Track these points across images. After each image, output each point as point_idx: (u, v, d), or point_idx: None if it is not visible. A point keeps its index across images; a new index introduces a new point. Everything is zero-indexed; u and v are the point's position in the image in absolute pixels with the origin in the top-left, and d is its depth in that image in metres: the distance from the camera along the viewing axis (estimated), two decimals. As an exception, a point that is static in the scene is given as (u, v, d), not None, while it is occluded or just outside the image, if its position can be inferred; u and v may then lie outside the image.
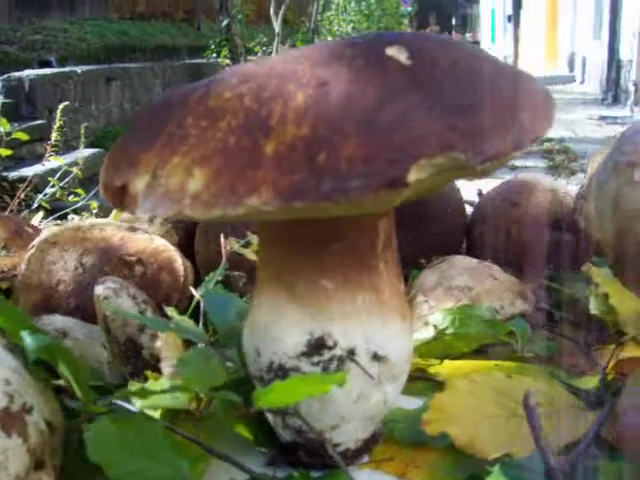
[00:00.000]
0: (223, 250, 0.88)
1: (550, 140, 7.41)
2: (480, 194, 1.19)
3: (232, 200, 0.44)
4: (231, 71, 0.53)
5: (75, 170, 3.13)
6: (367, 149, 0.43)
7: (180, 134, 0.49)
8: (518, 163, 6.21)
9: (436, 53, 0.49)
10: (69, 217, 2.74)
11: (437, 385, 0.72)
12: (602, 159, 0.84)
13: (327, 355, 0.57)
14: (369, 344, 0.58)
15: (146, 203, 0.48)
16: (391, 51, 0.49)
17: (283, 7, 9.39)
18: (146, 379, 0.69)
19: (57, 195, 2.98)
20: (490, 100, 0.46)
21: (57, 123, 3.01)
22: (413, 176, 0.42)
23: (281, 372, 0.58)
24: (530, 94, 0.49)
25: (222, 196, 0.44)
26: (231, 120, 0.47)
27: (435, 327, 0.79)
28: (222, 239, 0.90)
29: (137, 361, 0.71)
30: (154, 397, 0.59)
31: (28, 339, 0.53)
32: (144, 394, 0.57)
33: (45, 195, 3.02)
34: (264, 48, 10.17)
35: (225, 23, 9.97)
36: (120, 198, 0.51)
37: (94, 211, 2.81)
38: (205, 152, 0.46)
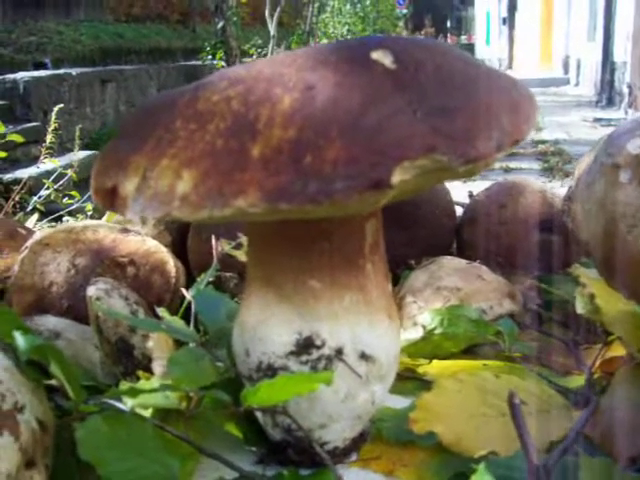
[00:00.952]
0: (214, 251, 0.89)
1: (545, 142, 7.44)
2: (471, 196, 1.20)
3: (219, 202, 0.45)
4: (219, 74, 0.54)
5: (70, 172, 3.13)
6: (351, 151, 0.44)
7: (169, 137, 0.50)
8: (513, 165, 6.23)
9: (421, 57, 0.50)
10: (64, 219, 2.75)
11: (425, 385, 0.72)
12: (589, 161, 0.85)
13: (315, 354, 0.58)
14: (356, 343, 0.59)
15: (136, 205, 0.48)
16: (376, 55, 0.50)
17: (278, 9, 9.39)
18: (138, 379, 0.70)
19: (52, 197, 2.98)
20: (473, 103, 0.47)
21: (52, 125, 3.01)
22: (397, 178, 0.43)
23: (270, 371, 0.58)
24: (512, 97, 0.50)
25: (210, 198, 0.45)
26: (219, 123, 0.48)
27: (424, 327, 0.80)
28: (213, 240, 0.91)
29: (129, 361, 0.72)
30: (144, 396, 0.59)
31: (20, 339, 0.54)
32: (134, 393, 0.57)
33: (40, 197, 3.03)
34: (259, 50, 10.18)
35: (220, 25, 9.98)
36: (110, 200, 0.52)
37: (89, 213, 2.82)
38: (193, 154, 0.47)
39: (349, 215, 0.56)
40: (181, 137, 0.49)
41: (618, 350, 0.76)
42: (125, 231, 0.93)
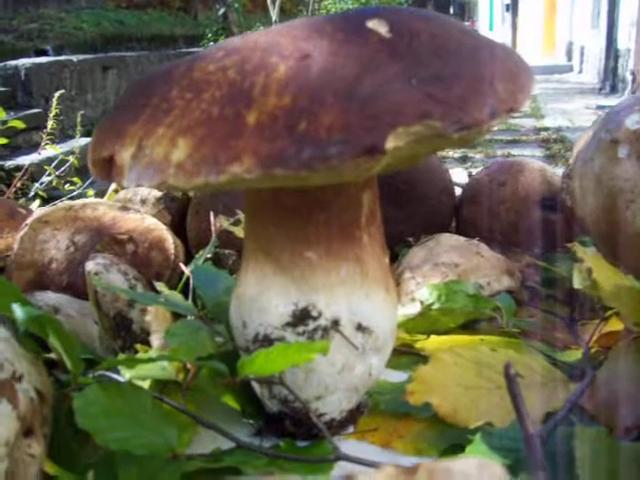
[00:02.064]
0: (213, 228, 0.89)
1: (547, 129, 7.42)
2: (470, 176, 1.20)
3: (214, 169, 0.45)
4: (216, 46, 0.54)
5: (71, 159, 3.13)
6: (346, 118, 0.44)
7: (165, 106, 0.50)
8: (515, 152, 6.22)
9: (416, 26, 0.50)
10: (64, 203, 2.74)
11: (423, 359, 0.73)
12: (587, 138, 0.85)
13: (312, 325, 0.58)
14: (353, 315, 0.59)
15: (132, 173, 0.49)
16: (372, 24, 0.50)
17: (280, -4, 9.36)
18: (136, 353, 0.71)
19: (53, 184, 2.98)
20: (468, 70, 0.47)
21: (53, 112, 3.01)
22: (391, 144, 0.43)
23: (267, 342, 0.59)
24: (508, 66, 0.50)
25: (205, 164, 0.45)
26: (215, 92, 0.48)
27: (421, 303, 0.80)
28: (212, 217, 0.91)
29: (127, 335, 0.72)
30: (142, 367, 0.60)
31: (18, 311, 0.54)
32: (132, 363, 0.58)
33: (41, 184, 3.02)
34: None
35: (222, 12, 9.96)
36: (107, 170, 0.52)
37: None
38: (189, 123, 0.47)
39: (345, 186, 0.56)
40: (177, 106, 0.49)
41: (616, 325, 0.76)
42: (124, 209, 0.93)
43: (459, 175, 1.50)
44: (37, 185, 3.04)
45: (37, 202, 2.08)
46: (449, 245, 0.89)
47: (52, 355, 0.63)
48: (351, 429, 0.64)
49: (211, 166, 0.45)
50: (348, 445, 0.62)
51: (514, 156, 6.06)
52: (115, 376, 0.62)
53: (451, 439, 0.61)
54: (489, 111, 0.46)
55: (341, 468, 0.56)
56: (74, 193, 2.98)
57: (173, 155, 0.46)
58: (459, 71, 0.47)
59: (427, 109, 0.44)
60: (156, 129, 0.48)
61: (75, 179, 2.95)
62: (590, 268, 0.73)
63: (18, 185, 2.84)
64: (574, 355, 0.75)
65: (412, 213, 1.04)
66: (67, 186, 2.96)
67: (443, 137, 0.45)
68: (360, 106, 0.44)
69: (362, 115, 0.44)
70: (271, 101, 0.46)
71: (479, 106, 0.46)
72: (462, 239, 0.92)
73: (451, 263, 0.85)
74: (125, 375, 0.61)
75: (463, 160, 5.98)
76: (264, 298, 0.59)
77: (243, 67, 0.49)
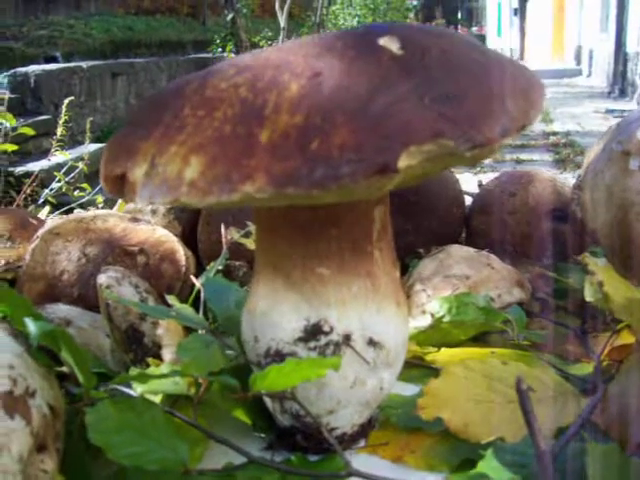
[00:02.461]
0: (224, 240, 0.90)
1: (556, 134, 7.41)
2: (480, 185, 1.20)
3: (227, 187, 0.45)
4: (227, 62, 0.55)
5: (81, 165, 3.14)
6: (358, 136, 0.44)
7: (177, 124, 0.50)
8: (524, 157, 6.21)
9: (427, 43, 0.50)
10: (75, 211, 2.76)
11: (434, 372, 0.73)
12: (598, 149, 0.84)
13: (323, 340, 0.58)
14: (364, 330, 0.59)
15: (144, 191, 0.49)
16: (383, 41, 0.50)
17: (288, 1, 9.37)
18: (148, 366, 0.71)
19: (63, 190, 2.99)
20: (479, 88, 0.47)
21: (63, 118, 3.02)
22: (403, 162, 0.43)
23: (278, 357, 0.59)
24: (519, 82, 0.50)
25: (217, 183, 0.45)
26: (227, 110, 0.48)
27: (432, 315, 0.80)
28: (223, 229, 0.91)
29: (139, 349, 0.72)
30: (154, 382, 0.60)
31: (31, 325, 0.54)
32: (143, 378, 0.58)
33: (51, 190, 3.04)
34: (269, 42, 10.17)
35: (230, 17, 9.99)
36: (119, 187, 0.52)
37: (100, 205, 2.83)
38: (201, 141, 0.47)
39: (357, 202, 0.56)
40: (189, 124, 0.49)
41: (627, 338, 0.76)
42: (135, 220, 0.93)
43: (469, 183, 1.50)
44: (47, 191, 3.05)
45: (47, 208, 2.09)
46: (459, 257, 0.89)
47: (64, 368, 0.63)
48: (362, 443, 0.64)
49: (223, 185, 0.45)
50: (359, 459, 0.62)
51: (523, 160, 6.05)
52: (127, 390, 0.63)
53: (463, 454, 0.61)
54: (500, 129, 0.46)
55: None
56: (83, 199, 2.99)
57: (186, 173, 0.47)
58: (470, 89, 0.47)
59: (439, 128, 0.44)
60: (169, 147, 0.49)
61: (84, 185, 2.96)
62: (601, 281, 0.73)
63: (28, 191, 2.85)
64: (585, 368, 0.75)
65: (422, 224, 1.04)
66: (76, 192, 2.98)
67: (455, 155, 0.45)
68: (372, 125, 0.44)
69: (374, 134, 0.44)
70: (283, 119, 0.46)
71: (491, 124, 0.46)
72: (472, 250, 0.91)
73: (462, 275, 0.85)
74: (137, 389, 0.62)
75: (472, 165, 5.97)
76: (276, 313, 0.59)
77: (255, 85, 0.49)
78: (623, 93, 10.67)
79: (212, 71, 0.54)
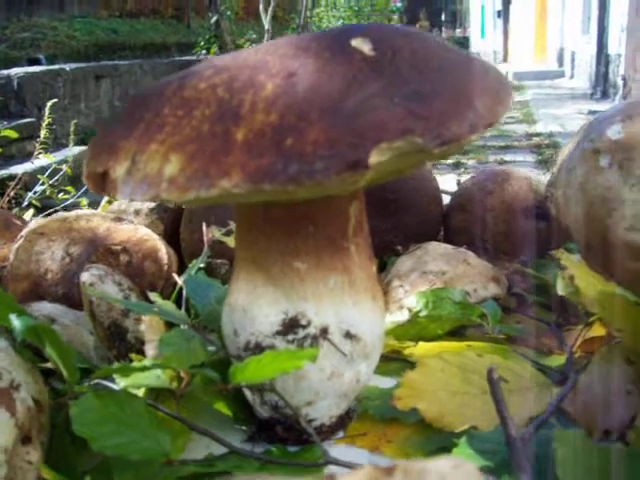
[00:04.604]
0: (205, 238, 0.91)
1: (539, 135, 7.46)
2: (458, 184, 1.22)
3: (205, 183, 0.46)
4: (206, 63, 0.56)
5: (65, 168, 3.14)
6: (331, 134, 0.45)
7: (158, 123, 0.51)
8: (507, 158, 6.26)
9: (398, 43, 0.52)
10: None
11: (411, 366, 0.74)
12: (571, 147, 0.87)
13: (301, 333, 0.60)
14: (341, 323, 0.61)
15: (126, 188, 0.50)
16: (355, 42, 0.52)
17: (272, 4, 9.39)
18: (131, 362, 0.72)
19: (47, 193, 2.99)
20: (448, 87, 0.49)
21: (46, 121, 3.02)
22: (374, 159, 0.45)
23: (258, 350, 0.60)
24: (487, 81, 0.52)
25: (196, 179, 0.47)
26: (205, 109, 0.50)
27: (410, 310, 0.82)
28: (204, 228, 0.93)
29: (122, 344, 0.74)
30: (136, 375, 0.61)
31: (16, 321, 0.55)
32: (126, 372, 0.59)
33: (35, 193, 3.03)
34: (253, 45, 10.16)
35: (214, 20, 9.99)
36: (101, 184, 0.54)
37: (84, 208, 2.83)
38: (180, 139, 0.49)
39: (332, 199, 0.58)
40: (169, 123, 0.51)
41: (599, 331, 0.78)
42: (118, 220, 0.95)
43: (449, 183, 1.52)
44: (31, 194, 3.05)
45: (31, 211, 2.09)
46: (437, 253, 0.90)
47: (49, 365, 0.64)
48: (341, 434, 0.66)
49: (202, 181, 0.47)
50: (338, 450, 0.63)
51: (506, 161, 6.09)
52: (110, 384, 0.64)
53: (438, 443, 0.63)
54: (468, 126, 0.48)
55: (330, 472, 0.57)
56: (68, 202, 2.98)
57: (166, 170, 0.48)
58: (439, 87, 0.49)
59: (409, 125, 0.46)
60: (149, 145, 0.50)
61: (69, 188, 2.96)
62: (573, 275, 0.75)
63: (12, 194, 2.85)
64: (559, 360, 0.77)
65: (400, 222, 1.06)
66: (61, 195, 2.97)
67: (424, 152, 0.47)
68: (344, 123, 0.46)
69: (346, 131, 0.46)
70: (259, 118, 0.48)
71: (458, 121, 0.48)
72: (450, 247, 0.93)
73: (438, 271, 0.87)
74: (120, 383, 0.63)
75: (456, 166, 6.02)
76: (255, 307, 0.60)
77: (232, 85, 0.51)
78: (605, 94, 10.76)
79: (191, 72, 0.55)
